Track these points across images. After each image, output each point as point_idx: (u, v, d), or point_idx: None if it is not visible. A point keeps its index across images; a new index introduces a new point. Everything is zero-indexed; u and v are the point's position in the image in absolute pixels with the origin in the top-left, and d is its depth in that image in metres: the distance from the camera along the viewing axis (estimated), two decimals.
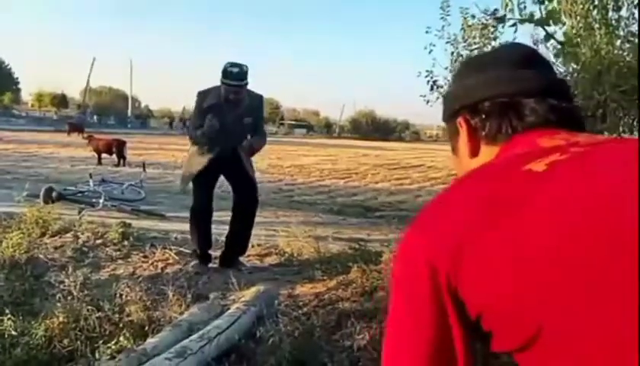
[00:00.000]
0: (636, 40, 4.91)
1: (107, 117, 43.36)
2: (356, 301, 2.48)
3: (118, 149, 11.95)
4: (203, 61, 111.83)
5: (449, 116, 0.74)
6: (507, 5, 2.54)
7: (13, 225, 3.50)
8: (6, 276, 2.79)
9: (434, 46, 6.87)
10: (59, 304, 2.41)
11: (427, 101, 7.35)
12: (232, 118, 2.93)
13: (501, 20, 2.28)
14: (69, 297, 2.47)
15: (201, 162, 2.97)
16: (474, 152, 0.70)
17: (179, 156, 15.21)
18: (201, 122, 2.96)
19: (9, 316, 2.30)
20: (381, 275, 2.63)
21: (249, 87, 2.99)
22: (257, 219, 3.23)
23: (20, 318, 2.33)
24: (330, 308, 2.44)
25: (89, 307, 2.37)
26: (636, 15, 4.90)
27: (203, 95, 3.02)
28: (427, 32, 6.78)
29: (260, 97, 3.21)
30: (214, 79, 2.96)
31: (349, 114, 56.57)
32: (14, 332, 2.22)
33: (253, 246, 3.37)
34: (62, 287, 2.55)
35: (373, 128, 51.02)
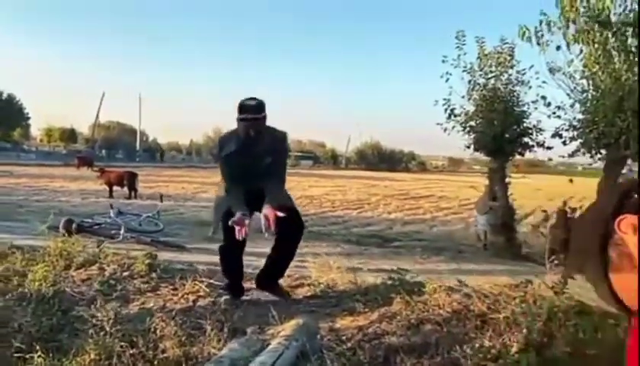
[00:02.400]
0: None
1: (116, 150, 43.95)
2: (403, 335, 2.35)
3: (129, 181, 11.97)
4: (212, 94, 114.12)
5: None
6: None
7: (37, 257, 3.42)
8: (33, 311, 2.68)
9: (450, 74, 6.93)
10: (90, 340, 2.29)
11: (445, 129, 7.34)
12: (251, 160, 2.81)
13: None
14: (101, 333, 2.36)
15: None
16: None
17: (189, 188, 15.25)
18: (227, 169, 2.91)
19: (39, 353, 2.18)
20: (426, 307, 2.51)
21: (273, 124, 2.88)
22: None
23: (50, 355, 2.21)
24: (376, 343, 2.31)
25: (122, 343, 2.25)
26: None
27: (222, 143, 2.96)
28: (443, 61, 6.86)
29: (284, 135, 3.01)
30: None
31: (355, 145, 57.14)
32: None
33: (282, 278, 3.26)
34: (93, 321, 2.44)
35: (379, 159, 51.26)
